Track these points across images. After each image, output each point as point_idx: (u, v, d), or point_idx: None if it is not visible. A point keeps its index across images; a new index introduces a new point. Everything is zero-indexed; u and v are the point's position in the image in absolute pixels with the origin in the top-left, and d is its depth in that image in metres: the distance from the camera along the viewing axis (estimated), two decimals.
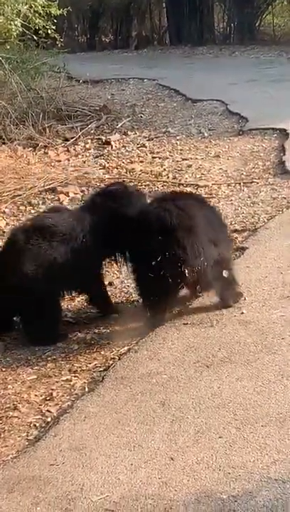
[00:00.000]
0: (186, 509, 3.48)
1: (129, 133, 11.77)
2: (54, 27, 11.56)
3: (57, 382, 4.90)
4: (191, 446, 3.96)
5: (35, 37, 11.95)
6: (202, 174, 9.28)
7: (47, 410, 4.57)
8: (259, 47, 21.80)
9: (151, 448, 3.99)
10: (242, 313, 5.40)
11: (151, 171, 9.56)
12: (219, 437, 4.00)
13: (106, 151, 10.80)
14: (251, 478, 3.63)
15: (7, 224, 7.88)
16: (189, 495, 3.58)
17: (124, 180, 9.06)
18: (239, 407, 4.25)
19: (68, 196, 8.69)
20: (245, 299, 5.60)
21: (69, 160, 10.38)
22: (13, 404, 4.67)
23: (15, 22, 10.44)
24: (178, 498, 3.57)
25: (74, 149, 10.89)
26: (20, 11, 10.56)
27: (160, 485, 3.68)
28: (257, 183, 8.67)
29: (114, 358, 5.09)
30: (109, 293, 5.95)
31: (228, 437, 3.99)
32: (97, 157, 10.52)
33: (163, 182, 9.07)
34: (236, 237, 6.99)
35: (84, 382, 4.83)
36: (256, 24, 25.34)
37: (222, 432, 4.04)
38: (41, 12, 11.03)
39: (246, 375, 4.60)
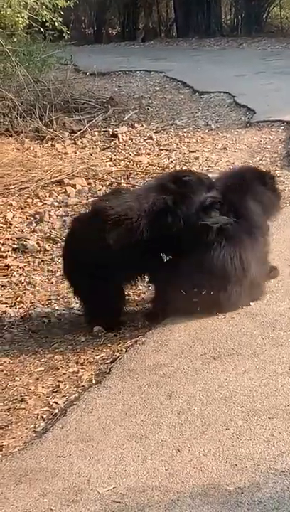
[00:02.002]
0: (193, 501, 3.48)
1: (136, 125, 11.75)
2: (61, 19, 11.53)
3: (64, 374, 4.91)
4: (198, 437, 3.96)
5: (42, 29, 11.93)
6: (210, 167, 9.26)
7: (55, 402, 4.58)
8: (266, 39, 21.70)
9: (157, 440, 3.99)
10: (249, 305, 5.39)
11: (158, 164, 9.55)
12: (226, 429, 4.00)
13: (113, 143, 10.78)
14: (258, 470, 3.63)
15: (14, 216, 7.89)
16: (196, 486, 3.58)
17: (130, 173, 9.08)
18: (246, 399, 4.26)
19: (75, 188, 8.69)
20: None
21: (76, 152, 10.37)
22: (21, 396, 4.69)
23: (22, 14, 10.41)
24: (184, 489, 3.57)
25: (81, 142, 10.88)
26: (27, 3, 10.51)
27: (167, 476, 3.68)
28: None
29: (120, 350, 5.09)
30: None
31: (235, 429, 3.99)
32: (104, 149, 10.51)
33: None
34: None
35: (91, 374, 4.84)
36: (264, 16, 25.22)
37: (229, 424, 4.04)
38: (48, 4, 11.00)
39: (253, 367, 4.60)
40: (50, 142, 10.76)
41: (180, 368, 4.70)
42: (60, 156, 10.12)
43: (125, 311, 5.66)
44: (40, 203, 8.31)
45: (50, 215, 7.95)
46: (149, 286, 5.80)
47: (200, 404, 4.27)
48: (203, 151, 10.05)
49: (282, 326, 5.05)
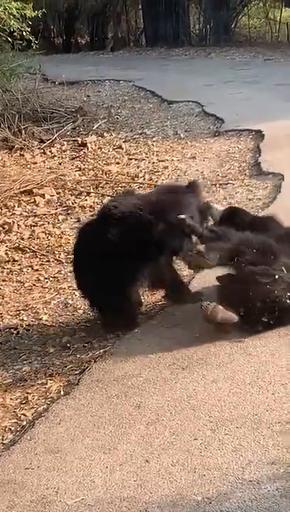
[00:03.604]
0: (161, 511, 3.48)
1: (105, 134, 11.77)
2: (29, 29, 11.52)
3: (32, 385, 4.89)
4: (166, 448, 3.96)
5: (9, 39, 11.91)
6: (179, 176, 9.30)
7: (23, 414, 4.56)
8: (234, 48, 21.84)
9: (126, 450, 3.98)
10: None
11: (128, 173, 9.58)
12: (195, 439, 4.00)
13: (82, 152, 10.79)
14: (226, 480, 3.64)
15: None
16: (164, 497, 3.58)
17: (100, 182, 9.09)
18: (214, 409, 4.26)
19: (44, 198, 8.68)
20: None
21: (45, 162, 10.36)
22: None
23: None
24: (153, 500, 3.57)
25: (50, 151, 10.88)
26: None
27: (136, 487, 3.68)
28: (233, 184, 8.70)
29: (89, 361, 5.08)
30: None
31: (203, 439, 3.99)
32: (73, 159, 10.52)
33: (140, 184, 9.07)
34: None
35: (60, 386, 4.82)
36: (232, 26, 25.39)
37: (197, 434, 4.05)
38: (16, 14, 10.99)
39: (221, 376, 4.61)
40: (18, 152, 10.76)
41: (148, 378, 4.70)
42: (28, 166, 10.11)
43: (95, 321, 5.66)
44: (8, 213, 8.29)
45: (18, 225, 7.93)
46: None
47: (169, 415, 4.27)
48: (172, 160, 10.09)
49: (250, 335, 5.05)
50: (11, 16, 10.96)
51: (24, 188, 8.91)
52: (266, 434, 3.96)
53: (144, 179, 9.26)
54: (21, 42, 12.37)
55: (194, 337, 5.12)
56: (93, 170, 9.83)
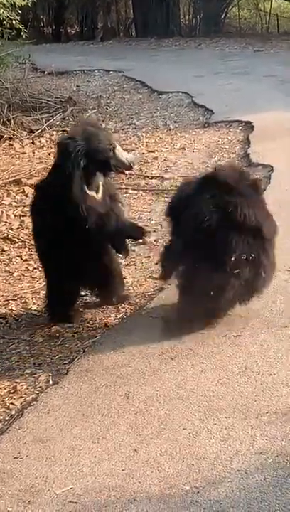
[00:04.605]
0: (149, 500, 3.50)
1: None
2: (18, 18, 11.48)
3: (21, 375, 4.88)
4: (155, 438, 3.97)
5: None
6: (168, 167, 9.29)
7: (12, 403, 4.55)
8: (224, 39, 21.81)
9: (114, 440, 4.00)
10: None
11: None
12: (183, 429, 4.02)
13: None
14: (214, 470, 3.66)
15: None
16: (152, 486, 3.60)
17: None
18: (202, 399, 4.28)
19: (33, 188, 8.64)
20: None
21: (34, 152, 10.33)
22: None
23: None
24: (141, 489, 3.58)
25: (39, 141, 10.84)
26: None
27: (124, 477, 3.69)
28: None
29: (78, 351, 5.08)
30: None
31: (192, 429, 4.01)
32: None
33: (129, 174, 9.03)
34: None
35: (49, 375, 4.82)
36: (222, 16, 25.37)
37: (186, 424, 4.06)
38: (5, 3, 10.95)
39: (210, 367, 4.62)
40: (7, 142, 10.72)
41: (137, 368, 4.71)
42: (17, 156, 10.08)
43: (83, 312, 5.66)
44: None
45: (7, 215, 7.91)
46: None
47: (157, 405, 4.28)
48: (162, 151, 10.08)
49: (239, 326, 5.08)
50: (1, 5, 10.92)
51: (13, 178, 8.89)
52: (255, 424, 3.98)
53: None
54: (11, 31, 12.33)
55: (183, 328, 5.13)
56: None
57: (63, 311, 5.57)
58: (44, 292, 5.86)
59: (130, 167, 5.46)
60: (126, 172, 5.58)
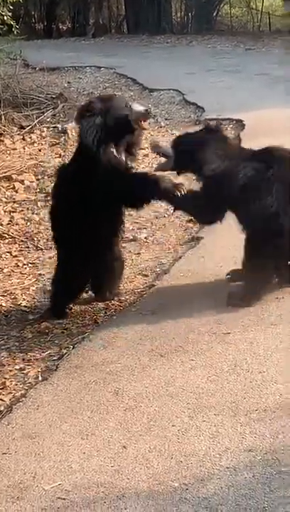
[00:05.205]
0: (138, 497, 3.49)
1: None
2: (10, 13, 11.45)
3: (10, 371, 4.88)
4: (144, 434, 3.97)
5: None
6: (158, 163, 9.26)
7: (0, 399, 4.55)
8: (216, 37, 21.83)
9: (103, 436, 3.99)
10: (196, 303, 5.42)
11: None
12: (172, 426, 4.02)
13: (62, 139, 10.73)
14: (203, 466, 3.66)
15: None
16: (141, 483, 3.59)
17: None
18: (192, 396, 4.28)
19: (24, 184, 8.64)
20: None
21: (24, 148, 10.31)
22: None
23: None
24: (130, 486, 3.58)
25: (30, 137, 10.82)
26: None
27: (113, 473, 3.69)
28: None
29: (68, 347, 5.08)
30: None
31: (181, 426, 4.01)
32: (53, 145, 10.46)
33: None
34: (191, 227, 7.03)
35: (38, 371, 4.82)
36: (214, 14, 25.39)
37: (175, 421, 4.06)
38: None
39: (199, 364, 4.62)
40: None
41: (127, 364, 4.71)
42: (8, 152, 10.06)
43: (72, 308, 5.66)
44: None
45: None
46: None
47: (147, 401, 4.28)
48: None
49: (228, 323, 5.08)
50: None
51: (3, 174, 8.87)
52: (244, 422, 3.98)
53: None
54: (2, 27, 12.27)
55: (173, 325, 5.14)
56: None
57: (67, 303, 5.61)
58: (35, 288, 5.86)
59: (148, 114, 5.61)
60: (146, 122, 5.64)
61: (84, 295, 5.83)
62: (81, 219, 5.30)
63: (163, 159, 5.69)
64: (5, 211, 7.92)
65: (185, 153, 5.46)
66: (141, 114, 5.43)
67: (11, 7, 11.49)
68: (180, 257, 6.35)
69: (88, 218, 5.30)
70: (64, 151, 10.06)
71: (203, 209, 5.44)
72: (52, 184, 5.88)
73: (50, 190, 8.09)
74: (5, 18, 11.38)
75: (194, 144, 5.53)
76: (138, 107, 5.46)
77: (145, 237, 6.86)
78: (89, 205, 5.26)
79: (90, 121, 5.21)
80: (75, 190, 5.31)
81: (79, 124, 5.34)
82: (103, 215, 5.33)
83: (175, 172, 5.42)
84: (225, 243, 6.35)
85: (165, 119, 11.80)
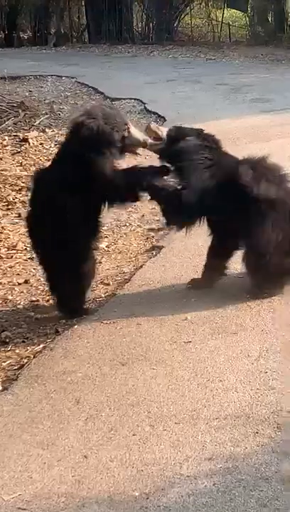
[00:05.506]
0: (99, 507, 3.48)
1: (46, 130, 11.69)
2: None
3: None
4: (105, 443, 3.96)
5: None
6: None
7: None
8: (177, 47, 21.97)
9: (64, 446, 3.97)
10: (157, 311, 5.43)
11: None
12: (133, 435, 4.01)
13: (23, 148, 10.69)
14: (164, 475, 3.66)
15: None
16: (102, 492, 3.58)
17: None
18: (153, 405, 4.28)
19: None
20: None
21: None
22: None
23: None
24: (90, 495, 3.57)
25: None
26: None
27: (73, 483, 3.67)
28: None
29: (28, 357, 5.05)
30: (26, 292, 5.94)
31: (142, 434, 4.01)
32: (14, 154, 10.41)
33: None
34: (152, 236, 7.04)
35: None
36: (175, 24, 25.53)
37: (136, 430, 4.06)
38: None
39: (160, 372, 4.63)
40: None
41: (88, 374, 4.70)
42: None
43: (35, 317, 5.64)
44: None
45: None
46: None
47: (108, 410, 4.27)
48: None
49: (189, 332, 5.09)
50: None
51: None
52: (204, 430, 3.99)
53: None
54: None
55: (134, 333, 5.14)
56: (34, 165, 9.73)
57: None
58: None
59: (145, 144, 5.57)
60: (140, 150, 5.64)
61: (45, 304, 5.82)
62: (62, 226, 5.29)
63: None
64: None
65: (175, 150, 5.52)
66: (136, 141, 5.48)
67: None
68: (141, 266, 6.35)
69: (69, 226, 5.29)
70: (25, 160, 10.03)
71: (177, 211, 5.48)
72: (30, 191, 5.82)
73: (11, 199, 8.13)
74: None
75: (185, 148, 5.55)
76: (136, 134, 5.48)
77: (106, 246, 6.86)
78: (71, 212, 5.26)
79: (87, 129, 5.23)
80: (58, 197, 5.29)
81: (73, 134, 5.36)
82: (83, 224, 5.34)
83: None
84: (186, 252, 6.39)
85: None
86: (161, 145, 5.59)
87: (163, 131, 5.67)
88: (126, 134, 5.39)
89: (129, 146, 5.45)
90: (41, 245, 5.54)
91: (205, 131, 5.74)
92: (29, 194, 5.79)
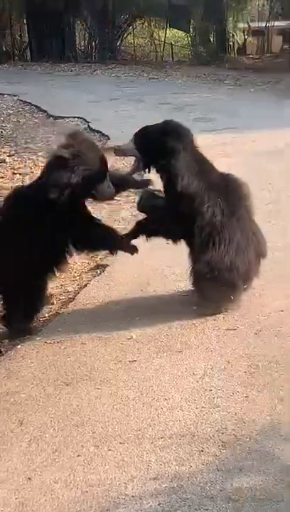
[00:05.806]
0: None
1: None
2: None
3: None
4: (49, 465, 3.92)
5: None
6: None
7: None
8: (120, 66, 22.07)
9: (7, 468, 3.92)
10: (101, 330, 5.40)
11: (11, 187, 9.44)
12: (78, 456, 3.98)
13: None
14: (109, 496, 3.63)
15: None
16: None
17: None
18: (98, 425, 4.25)
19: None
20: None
21: None
22: None
23: None
24: None
25: None
26: None
27: (17, 505, 3.62)
28: (118, 200, 8.71)
29: None
30: None
31: (86, 455, 3.97)
32: None
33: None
34: (96, 255, 7.02)
35: None
36: (118, 44, 25.65)
37: (81, 451, 4.02)
38: None
39: (105, 392, 4.60)
40: None
41: (31, 394, 4.65)
42: None
43: None
44: None
45: None
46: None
47: (52, 431, 4.22)
48: None
49: (134, 351, 5.08)
50: None
51: None
52: (149, 449, 3.97)
53: None
54: None
55: (78, 353, 5.11)
56: None
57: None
58: None
59: (111, 198, 5.71)
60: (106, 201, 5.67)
61: None
62: (31, 242, 5.27)
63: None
64: None
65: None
66: (105, 195, 5.53)
67: None
68: (85, 285, 6.33)
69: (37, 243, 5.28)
70: None
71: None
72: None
73: None
74: None
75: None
76: (108, 186, 5.48)
77: None
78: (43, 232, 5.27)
79: (62, 173, 5.28)
80: (32, 215, 5.28)
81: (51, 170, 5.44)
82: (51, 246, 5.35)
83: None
84: (130, 271, 6.38)
85: None
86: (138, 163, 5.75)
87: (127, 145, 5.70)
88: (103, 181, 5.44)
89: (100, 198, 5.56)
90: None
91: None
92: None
